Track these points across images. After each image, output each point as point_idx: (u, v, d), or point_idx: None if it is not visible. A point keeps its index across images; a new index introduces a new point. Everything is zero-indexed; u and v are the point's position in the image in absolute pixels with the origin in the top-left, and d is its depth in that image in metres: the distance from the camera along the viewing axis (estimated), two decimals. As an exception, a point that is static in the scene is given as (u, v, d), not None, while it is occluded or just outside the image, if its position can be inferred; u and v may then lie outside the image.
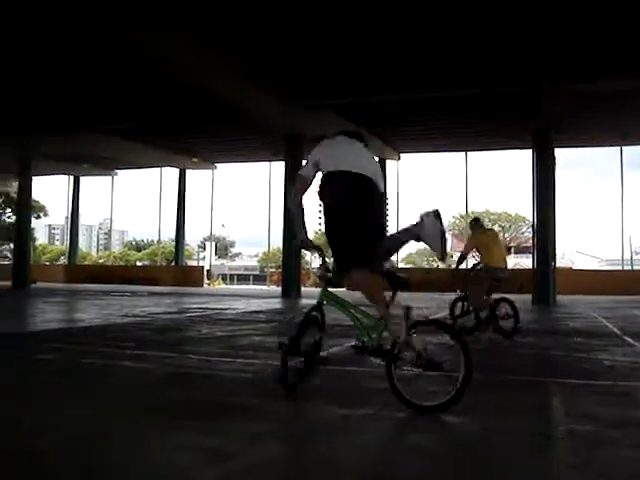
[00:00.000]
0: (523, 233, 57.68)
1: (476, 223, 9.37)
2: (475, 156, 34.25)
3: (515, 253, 61.10)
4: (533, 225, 21.14)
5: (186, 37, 15.47)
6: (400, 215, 32.71)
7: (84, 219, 71.56)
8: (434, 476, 2.58)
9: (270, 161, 33.67)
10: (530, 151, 21.40)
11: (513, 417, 3.60)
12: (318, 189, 4.32)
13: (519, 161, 54.29)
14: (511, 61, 16.63)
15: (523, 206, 56.19)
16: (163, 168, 36.62)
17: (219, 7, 13.92)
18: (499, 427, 3.36)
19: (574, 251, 57.77)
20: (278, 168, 29.99)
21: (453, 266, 9.53)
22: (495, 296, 8.40)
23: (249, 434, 3.18)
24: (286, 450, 2.88)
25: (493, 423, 3.43)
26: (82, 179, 38.61)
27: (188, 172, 35.79)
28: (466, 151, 30.69)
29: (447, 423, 3.45)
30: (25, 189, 28.44)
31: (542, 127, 19.18)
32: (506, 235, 59.83)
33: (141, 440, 3.01)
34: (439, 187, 76.75)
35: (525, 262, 46.55)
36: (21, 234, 28.46)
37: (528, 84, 17.95)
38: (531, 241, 23.81)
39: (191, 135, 27.51)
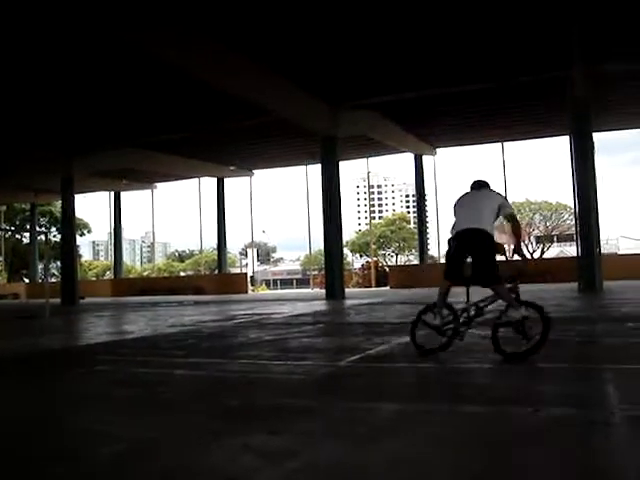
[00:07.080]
0: (565, 221, 56.83)
1: None
2: (512, 146, 33.88)
3: (558, 241, 60.26)
4: (575, 212, 20.75)
5: (219, 46, 15.71)
6: (440, 210, 32.69)
7: (127, 233, 72.65)
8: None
9: (306, 164, 33.62)
10: (567, 137, 21.08)
11: (574, 405, 3.58)
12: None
13: (557, 148, 53.43)
14: (540, 48, 16.53)
15: (563, 194, 55.28)
16: (201, 178, 36.92)
17: (252, 18, 14.19)
18: (561, 415, 3.35)
19: (619, 236, 56.65)
20: (315, 171, 30.01)
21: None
22: None
23: (309, 434, 3.23)
24: (347, 449, 2.91)
25: (555, 412, 3.42)
26: (122, 194, 39.16)
27: (226, 180, 36.02)
28: (502, 141, 30.24)
29: (507, 413, 3.46)
30: (69, 207, 28.94)
31: (578, 112, 18.82)
32: (548, 224, 59.03)
33: (207, 443, 3.08)
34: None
35: (569, 250, 45.90)
36: (67, 251, 28.93)
37: (559, 69, 17.74)
38: (574, 229, 23.42)
39: (230, 144, 27.66)
